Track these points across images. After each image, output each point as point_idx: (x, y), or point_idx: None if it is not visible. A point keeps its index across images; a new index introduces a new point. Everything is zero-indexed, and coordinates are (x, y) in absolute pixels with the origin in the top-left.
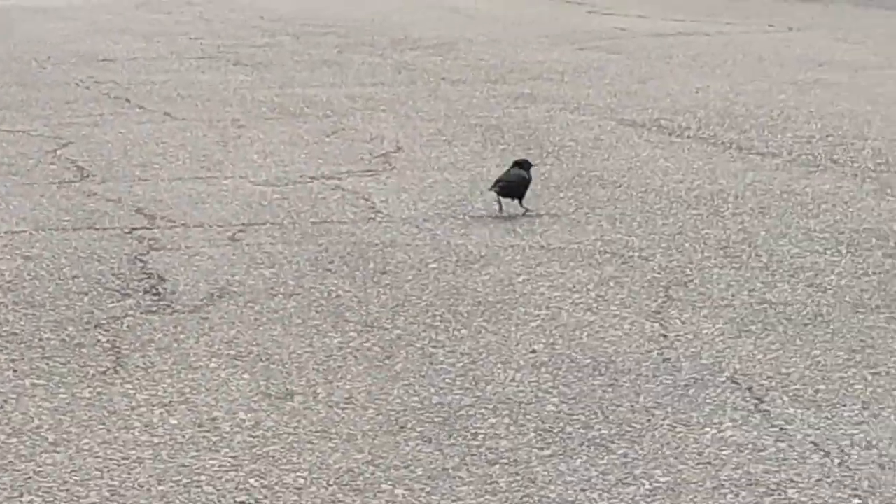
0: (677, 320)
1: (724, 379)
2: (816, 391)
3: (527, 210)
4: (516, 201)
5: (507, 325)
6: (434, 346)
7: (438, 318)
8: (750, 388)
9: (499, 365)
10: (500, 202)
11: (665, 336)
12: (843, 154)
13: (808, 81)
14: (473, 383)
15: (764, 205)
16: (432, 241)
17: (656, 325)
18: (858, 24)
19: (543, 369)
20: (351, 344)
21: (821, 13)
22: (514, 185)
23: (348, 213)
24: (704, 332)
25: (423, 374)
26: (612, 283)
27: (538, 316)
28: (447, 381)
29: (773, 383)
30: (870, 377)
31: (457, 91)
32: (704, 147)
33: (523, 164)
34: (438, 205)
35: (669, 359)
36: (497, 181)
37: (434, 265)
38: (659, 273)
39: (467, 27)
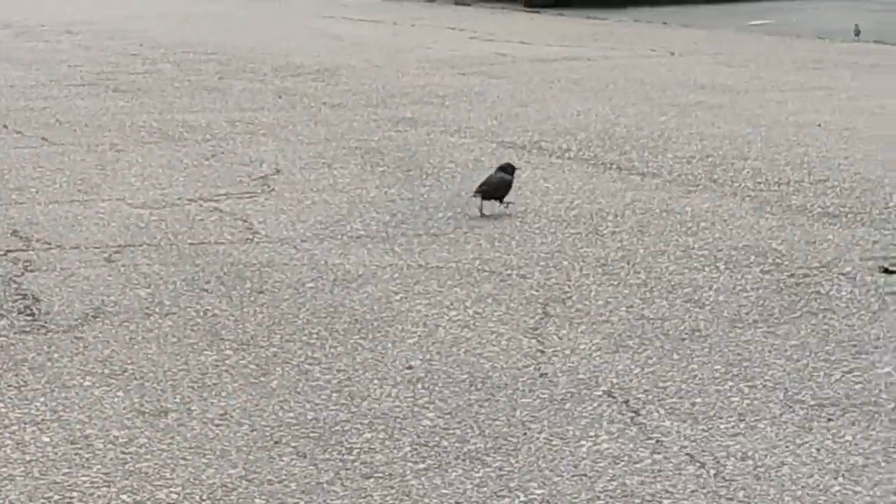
0: (554, 336)
1: (600, 393)
2: (693, 404)
3: (507, 204)
4: (495, 202)
5: (383, 342)
6: (310, 363)
7: (315, 335)
8: (626, 402)
9: (375, 381)
10: (481, 206)
11: (542, 352)
12: (722, 174)
13: (689, 104)
14: (349, 399)
15: (643, 223)
16: (310, 261)
17: (533, 340)
18: (740, 48)
19: (420, 385)
20: (226, 361)
21: (703, 38)
22: (494, 187)
23: (226, 234)
24: (582, 347)
25: (298, 390)
26: (489, 301)
27: (415, 333)
28: (323, 396)
29: (650, 397)
30: (746, 390)
31: (337, 115)
32: (584, 168)
33: (506, 168)
34: (317, 226)
35: (546, 374)
36: (480, 185)
37: (311, 284)
38: (537, 290)
39: (350, 54)
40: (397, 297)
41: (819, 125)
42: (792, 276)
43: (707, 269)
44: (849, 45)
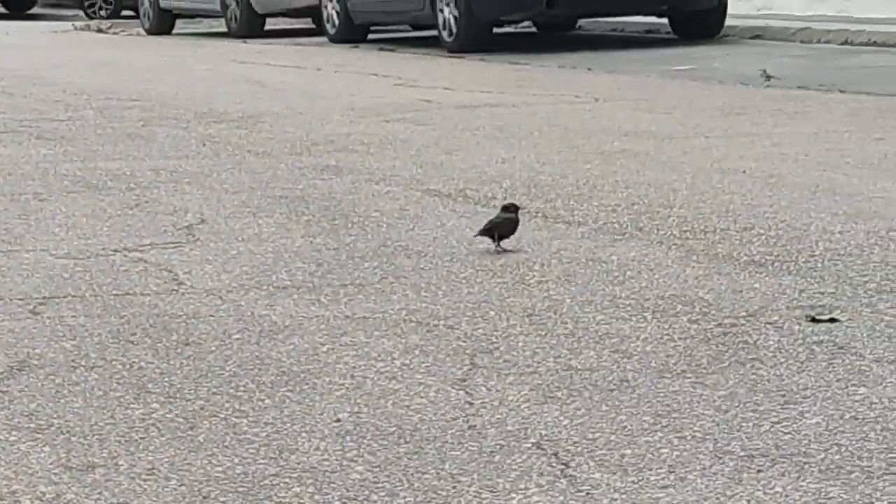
0: (483, 387)
1: (529, 445)
2: (622, 456)
3: (501, 248)
4: (492, 242)
5: (311, 395)
6: (237, 416)
7: (242, 388)
8: (556, 454)
9: (303, 434)
10: (496, 243)
11: (470, 403)
12: (648, 222)
13: (614, 151)
14: (277, 453)
15: (569, 272)
16: (236, 311)
17: (462, 392)
18: (664, 94)
19: (348, 438)
20: (153, 415)
21: (627, 84)
22: (499, 225)
23: (151, 285)
24: (510, 398)
25: (226, 443)
26: (417, 352)
27: (343, 385)
28: (251, 450)
29: (579, 448)
30: (675, 441)
31: (262, 163)
32: None
33: (509, 209)
34: (242, 276)
35: (475, 426)
36: (486, 225)
37: (238, 336)
38: (464, 341)
39: (273, 100)
40: (324, 349)
41: (744, 172)
42: (719, 325)
43: (634, 318)
44: (772, 91)
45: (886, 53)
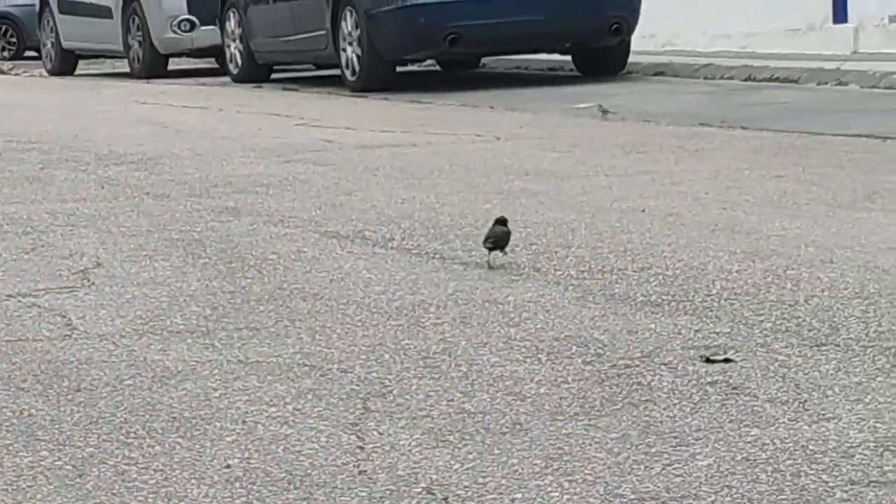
0: (375, 432)
1: (420, 490)
2: (512, 500)
3: (506, 253)
4: (498, 253)
5: (202, 441)
6: (127, 463)
7: (133, 434)
8: (446, 499)
9: (192, 481)
10: (489, 259)
11: (362, 448)
12: (546, 262)
13: (513, 191)
14: (166, 500)
15: (465, 314)
16: (129, 357)
17: (353, 437)
18: (565, 132)
19: (238, 484)
20: (42, 463)
21: (529, 122)
22: (499, 237)
23: (44, 330)
24: (402, 443)
25: (114, 491)
26: (309, 396)
27: (234, 431)
28: (139, 498)
29: (470, 493)
30: (566, 484)
31: (160, 206)
32: (408, 258)
33: (503, 221)
34: (136, 321)
35: (365, 471)
36: (486, 238)
37: (129, 381)
38: (357, 385)
39: (174, 142)
40: (216, 394)
41: (643, 211)
42: (614, 366)
43: (529, 360)
44: (674, 129)
45: (788, 89)
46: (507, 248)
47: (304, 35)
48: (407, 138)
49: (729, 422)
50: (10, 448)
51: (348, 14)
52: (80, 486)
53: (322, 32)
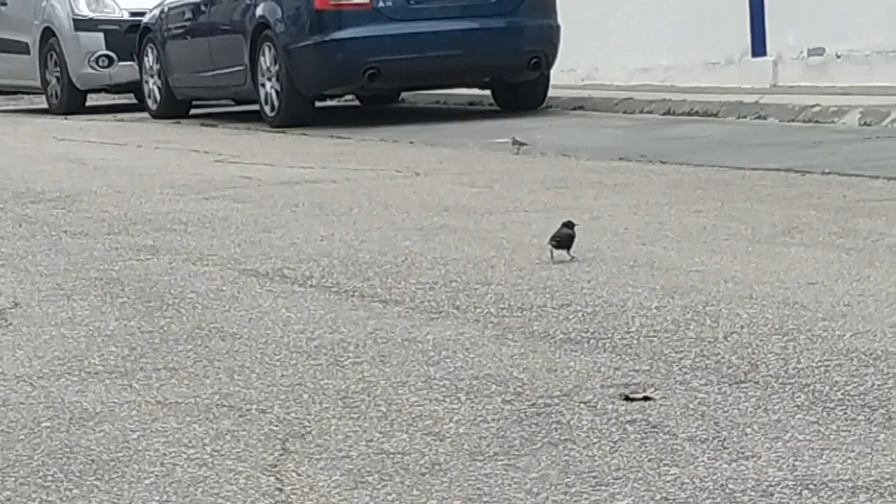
0: (293, 473)
1: None
2: None
3: (573, 257)
4: (564, 252)
5: (119, 484)
6: None
7: (50, 477)
8: None
9: None
10: (552, 254)
11: (280, 490)
12: (465, 300)
13: (433, 227)
14: None
15: (384, 353)
16: (46, 398)
17: (272, 478)
18: (485, 167)
19: None
20: None
21: (448, 157)
22: (564, 239)
23: None
24: (321, 484)
25: None
26: (228, 437)
27: (152, 473)
28: None
29: None
30: None
31: (78, 244)
32: (327, 296)
33: (569, 225)
34: (54, 361)
35: None
36: (552, 237)
37: (47, 424)
38: (276, 426)
39: (93, 179)
40: (135, 436)
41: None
42: (533, 405)
43: (448, 399)
44: (593, 164)
45: (707, 123)
46: (572, 251)
47: (223, 70)
48: (326, 174)
49: (648, 461)
50: None
51: (267, 49)
52: None
53: (241, 68)
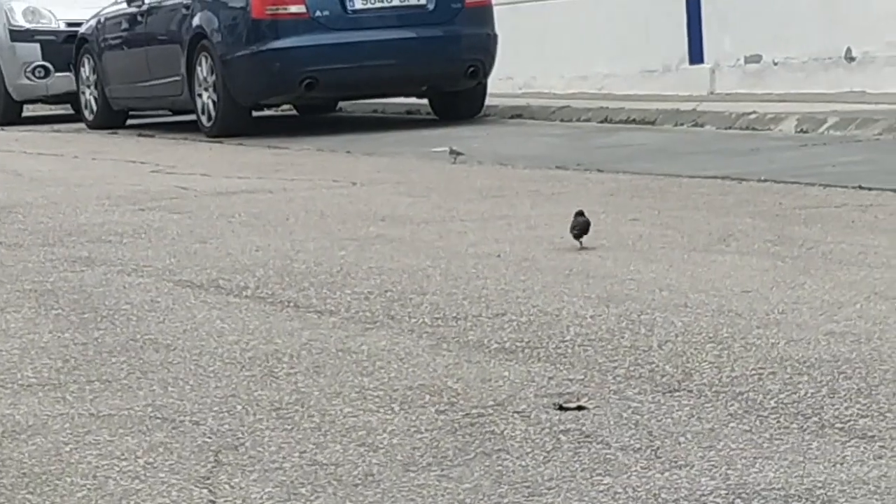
0: (226, 485)
1: None
2: None
3: (582, 245)
4: (583, 239)
5: (52, 497)
6: None
7: None
8: None
9: None
10: (581, 242)
11: (213, 502)
12: (400, 310)
13: (369, 237)
14: None
15: (319, 364)
16: None
17: (205, 490)
18: (423, 177)
19: None
20: None
21: (385, 167)
22: (582, 226)
23: None
24: (253, 496)
25: None
26: (161, 450)
27: (85, 486)
28: None
29: None
30: None
31: (12, 256)
32: (262, 307)
33: (581, 213)
34: None
35: None
36: (572, 227)
37: None
38: (209, 437)
39: (28, 190)
40: (67, 449)
41: (498, 256)
42: (467, 415)
43: (382, 410)
44: (530, 172)
45: (645, 131)
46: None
47: (160, 81)
48: (263, 184)
49: (581, 471)
50: None
51: (203, 59)
52: None
53: (177, 78)
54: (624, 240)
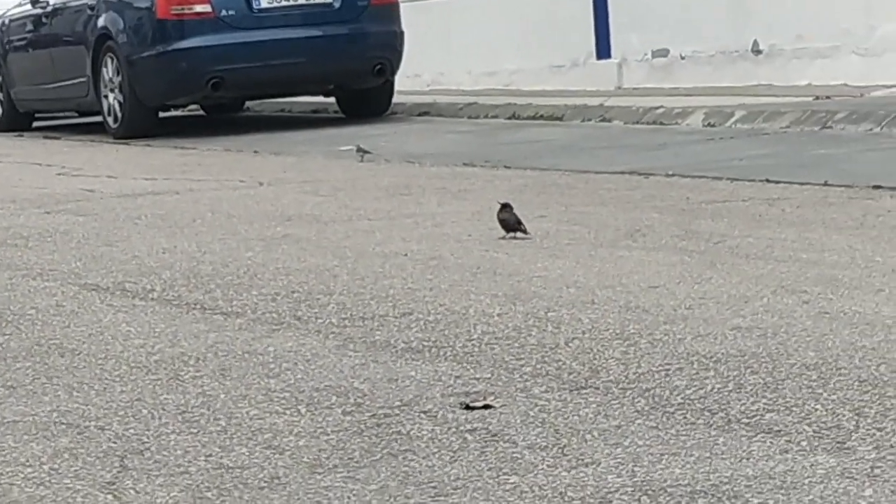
0: (132, 490)
1: None
2: None
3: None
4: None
5: None
6: None
7: None
8: None
9: None
10: (523, 230)
11: None
12: (307, 310)
13: (276, 237)
14: None
15: (225, 366)
16: None
17: (110, 496)
18: (330, 176)
19: None
20: None
21: (292, 166)
22: (515, 220)
23: None
24: (159, 500)
25: None
26: (66, 455)
27: None
28: None
29: None
30: None
31: None
32: (168, 309)
33: (507, 207)
34: None
35: None
36: (506, 227)
37: None
38: (115, 442)
39: None
40: None
41: (405, 255)
42: (373, 416)
43: (288, 412)
44: (437, 170)
45: (552, 127)
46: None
47: (65, 82)
48: (169, 185)
49: (488, 470)
50: None
51: (109, 60)
52: None
53: (83, 79)
54: (531, 236)
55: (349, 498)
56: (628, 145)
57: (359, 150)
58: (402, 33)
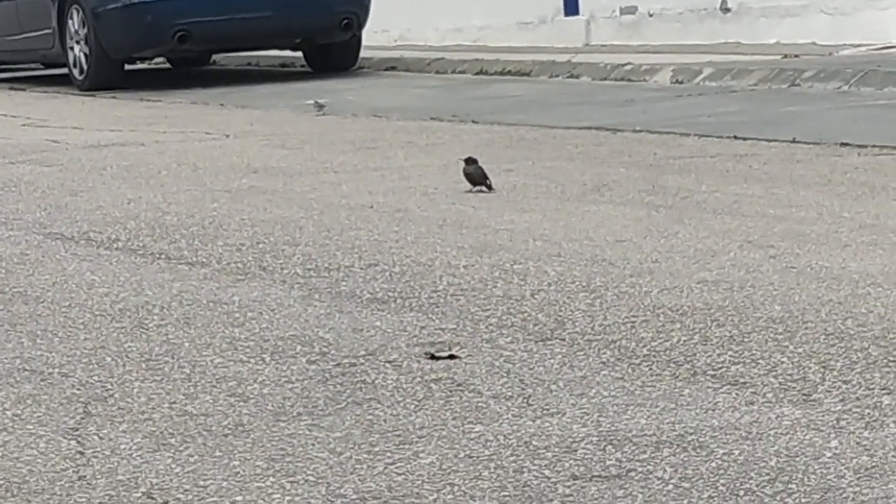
0: (95, 436)
1: (139, 495)
2: (233, 502)
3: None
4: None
5: None
6: None
7: None
8: (166, 503)
9: None
10: (489, 184)
11: (82, 453)
12: (272, 261)
13: (242, 189)
14: None
15: (189, 315)
16: None
17: (73, 442)
18: (296, 129)
19: None
20: None
21: (258, 119)
22: (476, 176)
23: None
24: (122, 447)
25: None
26: (29, 402)
27: None
28: None
29: (190, 497)
30: (288, 485)
31: None
32: (133, 259)
33: (470, 161)
34: None
35: (85, 476)
36: (473, 181)
37: None
38: (79, 389)
39: None
40: None
41: (372, 207)
42: (338, 365)
43: (253, 360)
44: (404, 124)
45: (520, 83)
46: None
47: (31, 34)
48: (135, 137)
49: (453, 419)
50: None
51: (75, 12)
52: None
53: (48, 31)
54: (498, 190)
55: (313, 445)
56: (596, 101)
57: (316, 104)
58: None
